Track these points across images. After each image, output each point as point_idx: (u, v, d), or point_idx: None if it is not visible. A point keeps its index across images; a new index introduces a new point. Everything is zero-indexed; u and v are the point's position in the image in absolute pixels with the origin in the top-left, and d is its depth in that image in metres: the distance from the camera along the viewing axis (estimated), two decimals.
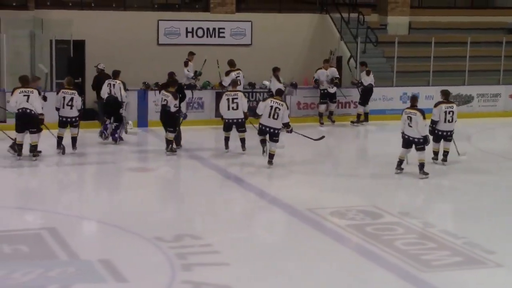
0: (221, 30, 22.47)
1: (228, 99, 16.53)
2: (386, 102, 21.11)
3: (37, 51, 19.71)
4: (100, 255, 9.97)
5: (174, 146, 16.41)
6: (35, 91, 15.36)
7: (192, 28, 22.21)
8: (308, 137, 16.42)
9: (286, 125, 15.57)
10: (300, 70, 22.44)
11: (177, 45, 21.76)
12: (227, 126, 16.77)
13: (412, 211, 12.64)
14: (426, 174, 14.87)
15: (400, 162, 15.24)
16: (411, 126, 14.78)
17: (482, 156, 17.56)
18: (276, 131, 15.49)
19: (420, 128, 14.71)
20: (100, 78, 18.34)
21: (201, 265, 9.80)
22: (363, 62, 20.81)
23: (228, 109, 16.54)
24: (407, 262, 10.10)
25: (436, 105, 15.90)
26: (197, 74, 19.73)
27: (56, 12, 20.56)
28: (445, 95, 16.07)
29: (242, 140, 16.78)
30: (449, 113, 15.66)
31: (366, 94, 20.43)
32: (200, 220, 12.18)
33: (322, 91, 20.42)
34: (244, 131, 16.72)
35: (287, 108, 15.65)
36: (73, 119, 16.26)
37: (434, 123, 15.76)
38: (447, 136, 15.92)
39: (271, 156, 15.62)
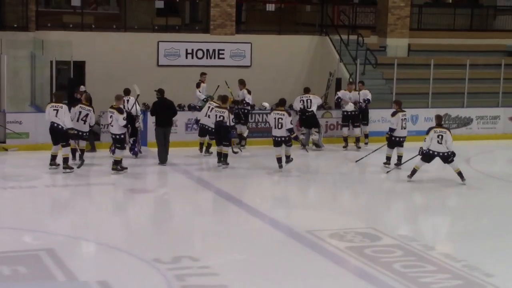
0: (220, 52, 22.56)
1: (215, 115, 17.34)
2: (386, 124, 21.06)
3: (37, 71, 19.79)
4: (98, 277, 9.95)
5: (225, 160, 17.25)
6: (64, 106, 16.17)
7: (192, 50, 22.29)
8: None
9: (290, 131, 16.95)
10: (299, 92, 22.37)
11: (177, 66, 21.85)
12: (202, 131, 18.22)
13: (411, 234, 12.62)
14: (464, 179, 16.40)
15: (415, 171, 16.47)
16: (440, 143, 16.11)
17: (481, 179, 17.54)
18: (287, 138, 16.95)
19: (449, 144, 16.18)
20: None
21: (199, 287, 9.78)
22: (362, 81, 20.82)
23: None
24: (406, 285, 10.06)
25: (428, 131, 16.48)
26: (208, 99, 19.26)
27: (56, 33, 20.65)
28: (438, 119, 16.68)
29: (225, 156, 17.29)
30: (438, 136, 16.20)
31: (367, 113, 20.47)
32: (199, 242, 12.16)
33: (344, 113, 20.29)
34: (228, 145, 17.36)
35: (289, 115, 17.02)
36: (84, 134, 17.01)
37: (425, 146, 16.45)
38: (447, 158, 16.42)
39: (288, 157, 17.18)
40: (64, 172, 16.18)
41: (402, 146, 17.73)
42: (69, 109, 16.43)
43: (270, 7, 24.54)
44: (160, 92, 17.52)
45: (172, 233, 12.59)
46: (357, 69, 22.00)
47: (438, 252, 11.48)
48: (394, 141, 17.65)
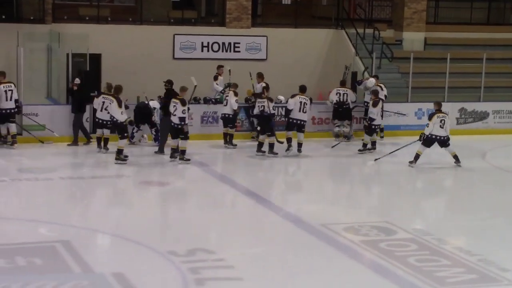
0: (236, 45, 22.56)
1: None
2: (401, 118, 21.05)
3: (53, 64, 19.87)
4: (113, 269, 9.99)
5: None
6: (115, 100, 16.49)
7: (208, 43, 22.31)
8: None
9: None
10: (315, 85, 22.47)
11: (192, 59, 21.86)
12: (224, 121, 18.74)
13: (426, 228, 12.59)
14: (460, 161, 17.06)
15: (418, 157, 16.91)
16: (442, 128, 16.82)
17: (497, 173, 17.47)
18: (304, 123, 17.86)
19: (448, 128, 16.98)
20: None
21: (214, 279, 9.80)
22: (376, 75, 20.76)
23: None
24: (421, 279, 10.04)
25: (431, 116, 17.13)
26: (225, 90, 19.33)
27: (72, 26, 20.71)
28: (439, 105, 17.37)
29: (270, 146, 17.69)
30: (441, 121, 16.90)
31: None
32: (214, 235, 12.18)
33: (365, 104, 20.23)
34: (271, 135, 17.77)
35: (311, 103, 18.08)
36: (108, 122, 17.31)
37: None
38: (446, 141, 17.12)
39: (300, 145, 17.83)
40: (116, 163, 16.41)
41: (447, 146, 17.19)
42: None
43: (286, 0, 24.49)
44: (169, 82, 17.70)
45: (187, 226, 12.61)
46: (373, 62, 21.92)
47: (453, 246, 11.44)
48: (432, 139, 17.04)
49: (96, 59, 20.17)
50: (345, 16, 24.29)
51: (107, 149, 17.62)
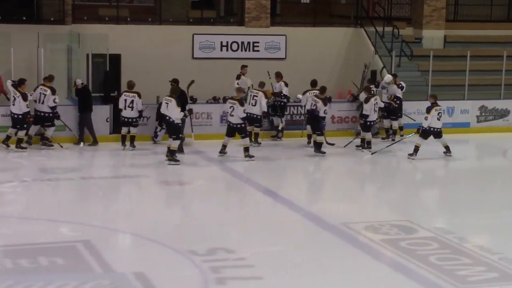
0: (255, 44, 22.55)
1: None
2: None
3: (73, 64, 19.94)
4: (134, 268, 10.03)
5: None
6: (174, 100, 16.53)
7: (227, 42, 22.31)
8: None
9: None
10: (334, 84, 22.42)
11: (211, 59, 21.88)
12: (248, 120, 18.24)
13: (447, 226, 12.55)
14: (451, 151, 17.80)
15: (417, 149, 17.47)
16: (439, 120, 17.48)
17: None
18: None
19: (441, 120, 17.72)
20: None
21: (234, 279, 9.82)
22: (395, 74, 20.70)
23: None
24: (442, 277, 10.02)
25: (429, 110, 17.62)
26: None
27: (92, 27, 20.79)
28: (435, 98, 17.94)
29: (318, 145, 17.93)
30: (438, 114, 17.61)
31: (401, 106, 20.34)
32: (234, 234, 12.20)
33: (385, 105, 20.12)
34: (320, 134, 17.90)
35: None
36: (133, 120, 17.80)
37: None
38: (440, 133, 17.78)
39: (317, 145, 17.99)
40: (168, 164, 16.48)
41: (440, 137, 17.88)
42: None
43: None
44: (175, 81, 17.90)
45: (207, 225, 12.63)
46: (393, 61, 21.85)
47: (474, 245, 11.40)
48: (429, 132, 17.69)
49: (115, 59, 20.21)
50: (364, 14, 24.21)
51: (134, 146, 17.86)
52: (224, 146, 17.47)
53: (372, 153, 18.16)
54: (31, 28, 19.73)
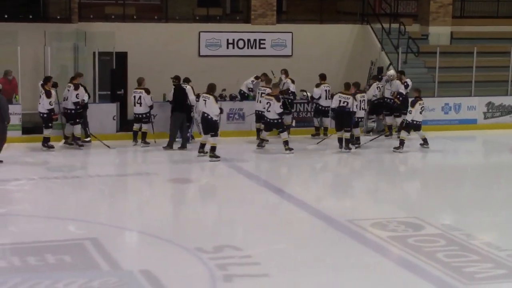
0: (261, 41, 22.54)
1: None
2: (428, 113, 20.91)
3: (80, 63, 19.97)
4: (141, 266, 10.04)
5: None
6: (212, 97, 16.77)
7: (233, 40, 22.30)
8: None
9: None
10: (341, 81, 22.22)
11: (218, 56, 21.89)
12: (258, 117, 18.74)
13: (454, 223, 12.53)
14: (428, 143, 18.42)
15: (403, 142, 17.99)
16: (421, 114, 18.07)
17: None
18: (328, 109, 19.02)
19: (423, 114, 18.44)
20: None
21: (241, 276, 9.82)
22: (402, 71, 20.66)
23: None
24: (449, 274, 10.00)
25: (414, 103, 18.14)
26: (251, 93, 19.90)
27: (99, 25, 20.80)
28: (418, 92, 18.41)
29: (346, 141, 18.05)
30: (422, 108, 18.28)
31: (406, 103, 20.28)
32: (241, 231, 12.20)
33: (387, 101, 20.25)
34: (349, 130, 18.14)
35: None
36: (143, 115, 18.06)
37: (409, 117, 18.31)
38: (420, 126, 18.37)
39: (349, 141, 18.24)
40: (210, 161, 16.64)
41: (419, 130, 18.40)
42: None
43: None
44: (176, 78, 18.06)
45: (214, 223, 12.66)
46: (399, 57, 21.82)
47: (482, 242, 11.38)
48: (412, 125, 18.19)
49: (122, 57, 20.24)
50: (370, 11, 24.17)
51: (146, 143, 18.01)
52: (262, 140, 18.08)
53: (356, 147, 18.41)
54: (37, 26, 19.75)
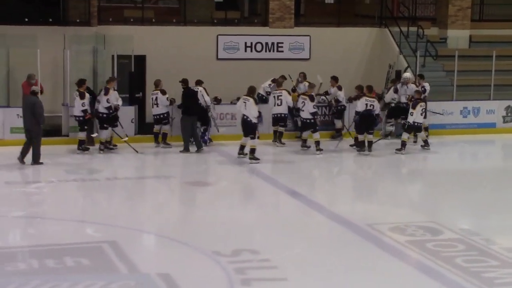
0: (279, 45, 22.52)
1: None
2: (446, 116, 20.86)
3: (99, 66, 20.05)
4: (159, 269, 10.07)
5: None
6: (251, 99, 16.84)
7: (251, 43, 22.31)
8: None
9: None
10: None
11: (236, 60, 21.91)
12: (274, 120, 18.98)
13: (474, 228, 12.46)
14: (429, 144, 18.69)
15: (405, 144, 18.13)
16: (422, 115, 18.20)
17: None
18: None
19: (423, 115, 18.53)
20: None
21: (259, 280, 9.82)
22: (421, 75, 20.59)
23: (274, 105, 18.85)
24: (468, 280, 9.95)
25: (414, 105, 18.16)
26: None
27: (117, 28, 20.88)
28: (420, 94, 18.60)
29: (369, 143, 18.16)
30: (422, 110, 18.28)
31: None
32: (258, 235, 12.20)
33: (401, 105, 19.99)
34: (372, 133, 18.24)
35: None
36: (161, 116, 18.21)
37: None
38: (420, 128, 18.63)
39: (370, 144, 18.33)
40: (250, 163, 16.73)
41: (420, 131, 18.65)
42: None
43: None
44: (184, 82, 18.08)
45: (232, 226, 12.64)
46: (417, 61, 21.75)
47: (501, 247, 11.30)
48: (413, 127, 18.34)
49: (141, 60, 20.32)
50: (388, 14, 24.11)
51: (167, 144, 18.18)
52: (304, 141, 18.38)
53: (351, 145, 18.63)
54: (57, 30, 19.87)
